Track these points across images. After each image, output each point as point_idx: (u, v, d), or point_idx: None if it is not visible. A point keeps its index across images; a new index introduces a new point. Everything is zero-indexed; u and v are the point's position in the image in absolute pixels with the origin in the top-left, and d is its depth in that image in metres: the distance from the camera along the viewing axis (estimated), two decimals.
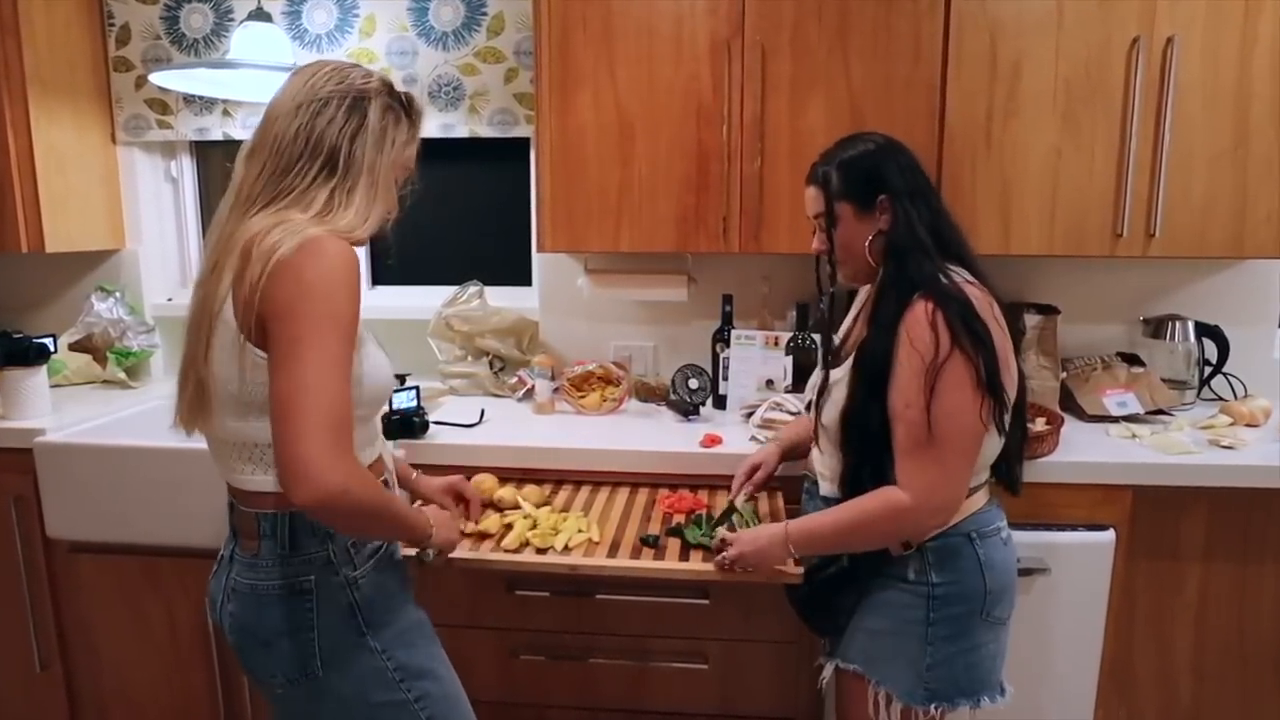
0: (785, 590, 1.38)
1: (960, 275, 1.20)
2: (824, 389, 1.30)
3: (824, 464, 1.32)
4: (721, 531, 1.37)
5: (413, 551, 1.22)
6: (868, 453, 1.21)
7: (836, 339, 1.40)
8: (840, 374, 1.27)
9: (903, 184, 1.24)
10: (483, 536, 1.43)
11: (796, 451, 1.54)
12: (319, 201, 1.04)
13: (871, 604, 1.27)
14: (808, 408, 1.40)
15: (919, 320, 1.14)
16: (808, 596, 1.32)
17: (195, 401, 1.07)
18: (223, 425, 1.07)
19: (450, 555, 1.30)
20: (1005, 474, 1.31)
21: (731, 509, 1.47)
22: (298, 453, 0.90)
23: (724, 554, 1.28)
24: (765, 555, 1.25)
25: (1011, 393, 1.20)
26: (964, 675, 1.23)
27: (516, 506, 1.54)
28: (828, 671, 1.33)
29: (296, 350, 0.93)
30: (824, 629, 1.37)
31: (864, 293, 1.39)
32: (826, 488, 1.31)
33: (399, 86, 1.16)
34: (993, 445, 1.21)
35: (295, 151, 1.04)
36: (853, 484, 1.23)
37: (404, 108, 1.14)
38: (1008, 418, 1.20)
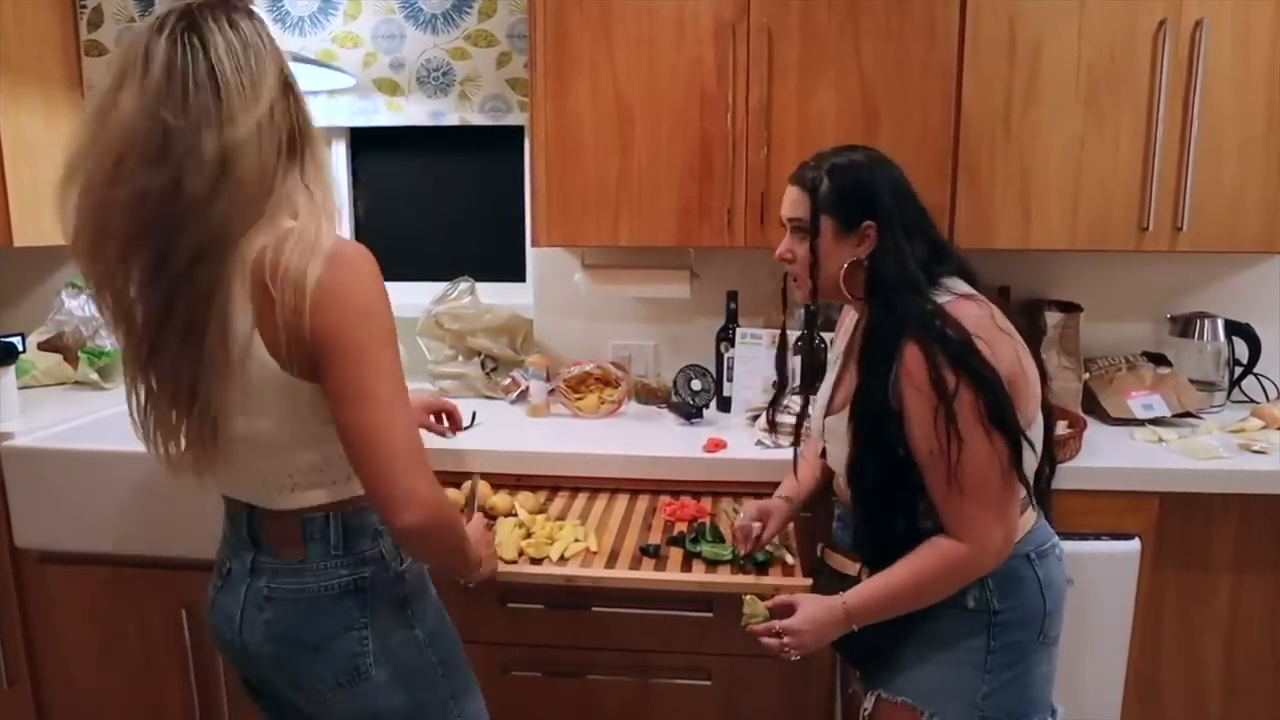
0: None
1: (957, 289, 1.18)
2: (823, 437, 1.29)
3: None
4: (761, 614, 1.26)
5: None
6: (892, 501, 1.19)
7: (825, 377, 1.39)
8: (838, 423, 1.25)
9: (896, 212, 1.20)
10: None
11: (811, 498, 1.50)
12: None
13: (925, 633, 1.24)
14: (822, 454, 1.37)
15: (918, 364, 1.12)
16: None
17: (210, 448, 1.03)
18: (262, 467, 1.05)
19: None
20: (1036, 503, 1.28)
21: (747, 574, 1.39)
22: (399, 482, 0.94)
23: (783, 642, 1.21)
24: (825, 636, 1.21)
25: (1037, 391, 1.19)
26: (1017, 700, 1.22)
27: (511, 514, 1.54)
28: (869, 703, 1.29)
29: (367, 384, 0.95)
30: (865, 657, 1.32)
31: (848, 317, 1.38)
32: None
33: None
34: (1030, 461, 1.20)
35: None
36: (880, 532, 1.22)
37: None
38: (1035, 435, 1.19)
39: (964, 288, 1.20)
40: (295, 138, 0.98)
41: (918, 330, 1.13)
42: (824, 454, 1.36)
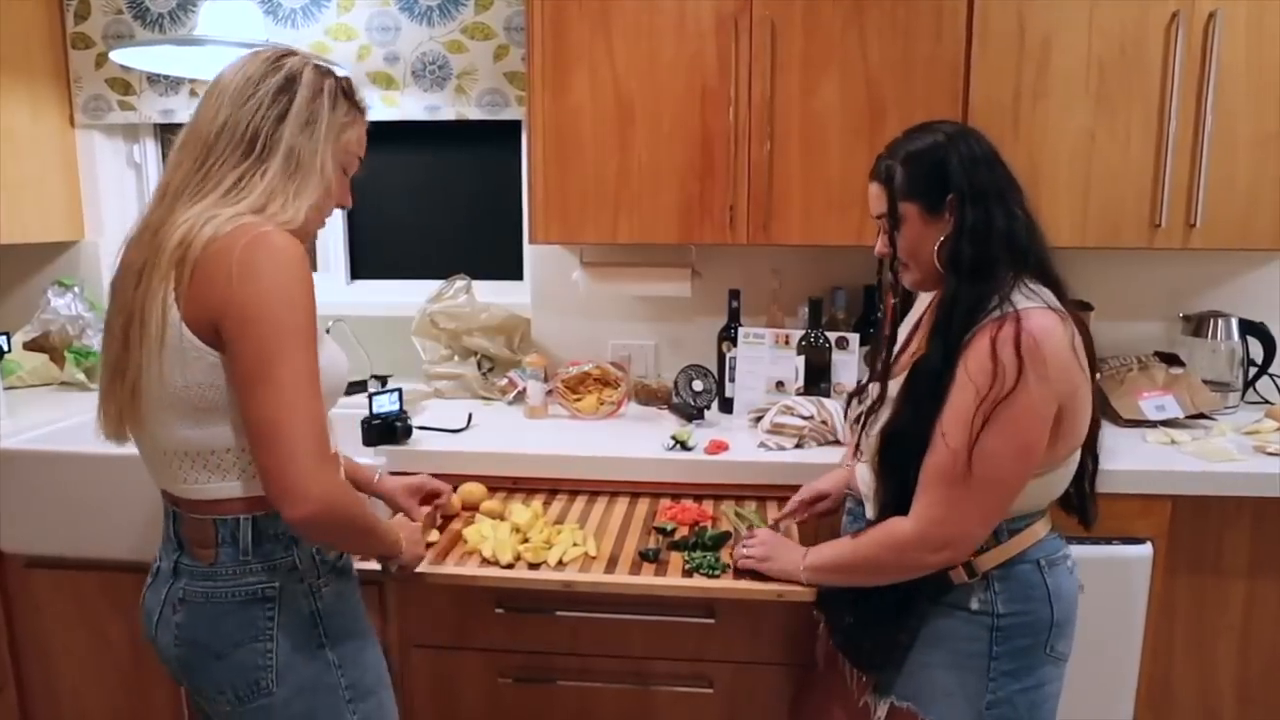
0: (827, 622, 1.38)
1: (1041, 297, 1.16)
2: (881, 404, 1.28)
3: (870, 485, 1.30)
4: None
5: (376, 565, 1.27)
6: (908, 479, 1.20)
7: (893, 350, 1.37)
8: (895, 390, 1.26)
9: (973, 182, 1.19)
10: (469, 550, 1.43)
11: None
12: (243, 188, 1.05)
13: (929, 635, 1.25)
14: (855, 419, 1.37)
15: (981, 350, 1.11)
16: (852, 628, 1.30)
17: (129, 408, 1.08)
18: (172, 434, 1.07)
19: (427, 571, 1.33)
20: (1078, 506, 1.29)
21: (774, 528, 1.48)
22: (289, 474, 0.97)
23: (748, 552, 1.34)
24: (783, 555, 1.33)
25: (1083, 430, 1.20)
26: (1026, 716, 1.22)
27: (501, 517, 1.54)
28: (881, 710, 1.30)
29: (269, 371, 0.97)
30: (872, 662, 1.33)
31: (923, 300, 1.36)
32: (872, 510, 1.30)
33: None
34: (1058, 481, 1.21)
35: (220, 139, 1.06)
36: (883, 512, 1.24)
37: (342, 90, 1.15)
38: (1065, 471, 1.21)
39: (1050, 297, 1.17)
40: (257, 144, 1.06)
41: (996, 312, 1.13)
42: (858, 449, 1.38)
